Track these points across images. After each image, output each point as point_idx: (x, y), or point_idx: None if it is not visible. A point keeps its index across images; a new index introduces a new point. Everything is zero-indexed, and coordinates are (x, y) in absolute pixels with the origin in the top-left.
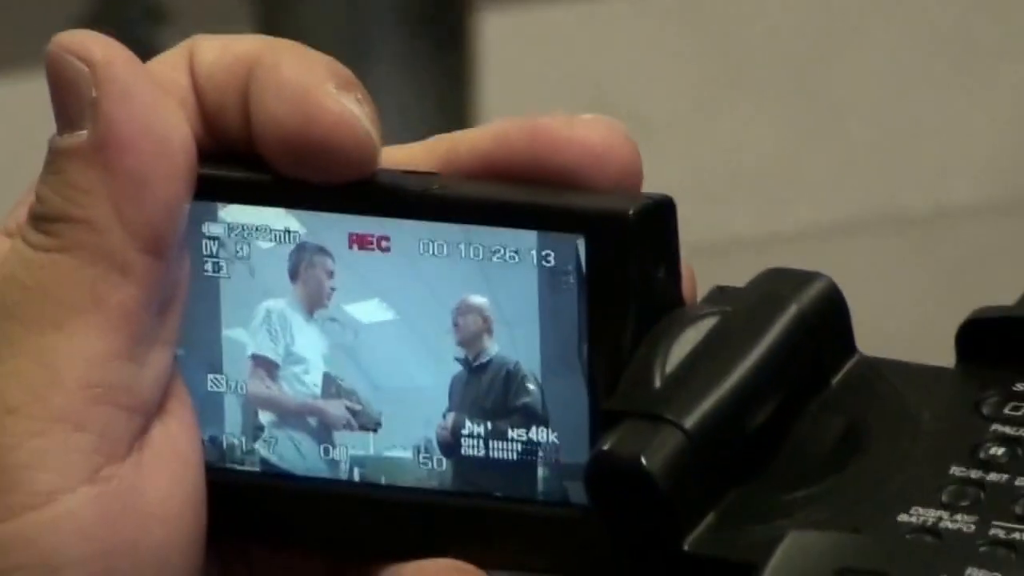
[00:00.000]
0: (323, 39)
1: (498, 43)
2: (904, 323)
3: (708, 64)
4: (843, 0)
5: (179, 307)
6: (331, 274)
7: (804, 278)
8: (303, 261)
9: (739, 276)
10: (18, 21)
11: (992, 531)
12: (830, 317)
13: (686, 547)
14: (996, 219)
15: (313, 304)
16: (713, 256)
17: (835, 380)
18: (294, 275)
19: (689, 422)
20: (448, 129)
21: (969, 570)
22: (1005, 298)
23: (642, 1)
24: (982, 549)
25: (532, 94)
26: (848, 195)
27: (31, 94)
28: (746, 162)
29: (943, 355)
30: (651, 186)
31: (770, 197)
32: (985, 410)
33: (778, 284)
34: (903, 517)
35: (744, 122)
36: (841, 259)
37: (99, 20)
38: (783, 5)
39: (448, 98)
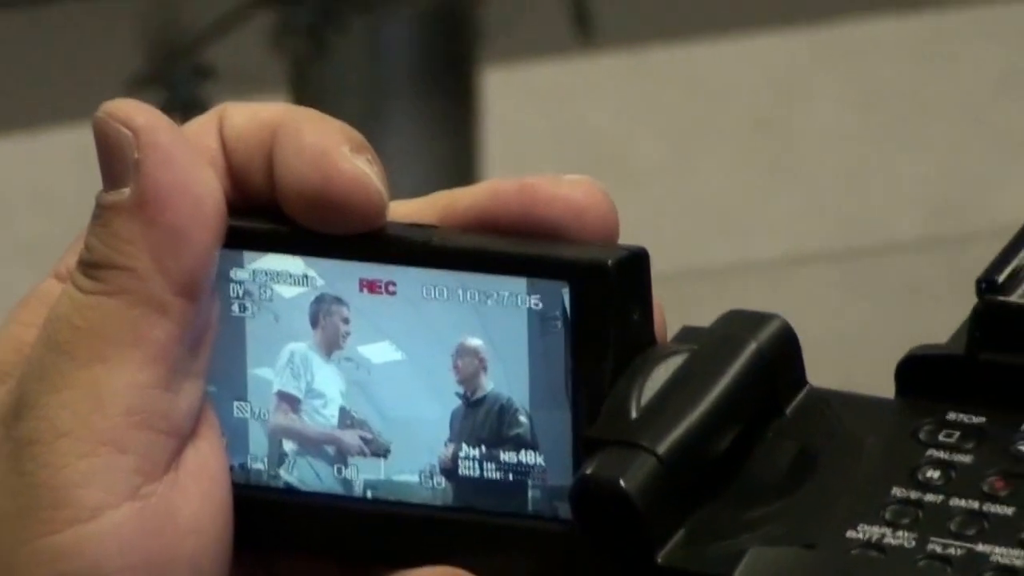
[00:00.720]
0: (344, 97)
1: (499, 98)
2: (852, 343)
3: (683, 116)
4: (799, 61)
5: (210, 343)
6: (346, 320)
7: (761, 319)
8: (322, 310)
9: (707, 299)
10: (83, 78)
11: (930, 546)
12: (784, 354)
13: (659, 560)
14: (935, 254)
15: (331, 346)
16: (685, 282)
17: (789, 409)
18: (314, 322)
19: (662, 448)
20: (456, 171)
21: None
22: (942, 327)
23: (627, 60)
24: (921, 563)
25: (529, 143)
26: (802, 231)
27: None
28: (714, 201)
29: (886, 372)
30: (634, 220)
31: (734, 232)
32: (922, 437)
33: (738, 325)
34: (851, 533)
35: (713, 167)
36: (796, 287)
37: (153, 77)
38: (746, 65)
39: (455, 146)
